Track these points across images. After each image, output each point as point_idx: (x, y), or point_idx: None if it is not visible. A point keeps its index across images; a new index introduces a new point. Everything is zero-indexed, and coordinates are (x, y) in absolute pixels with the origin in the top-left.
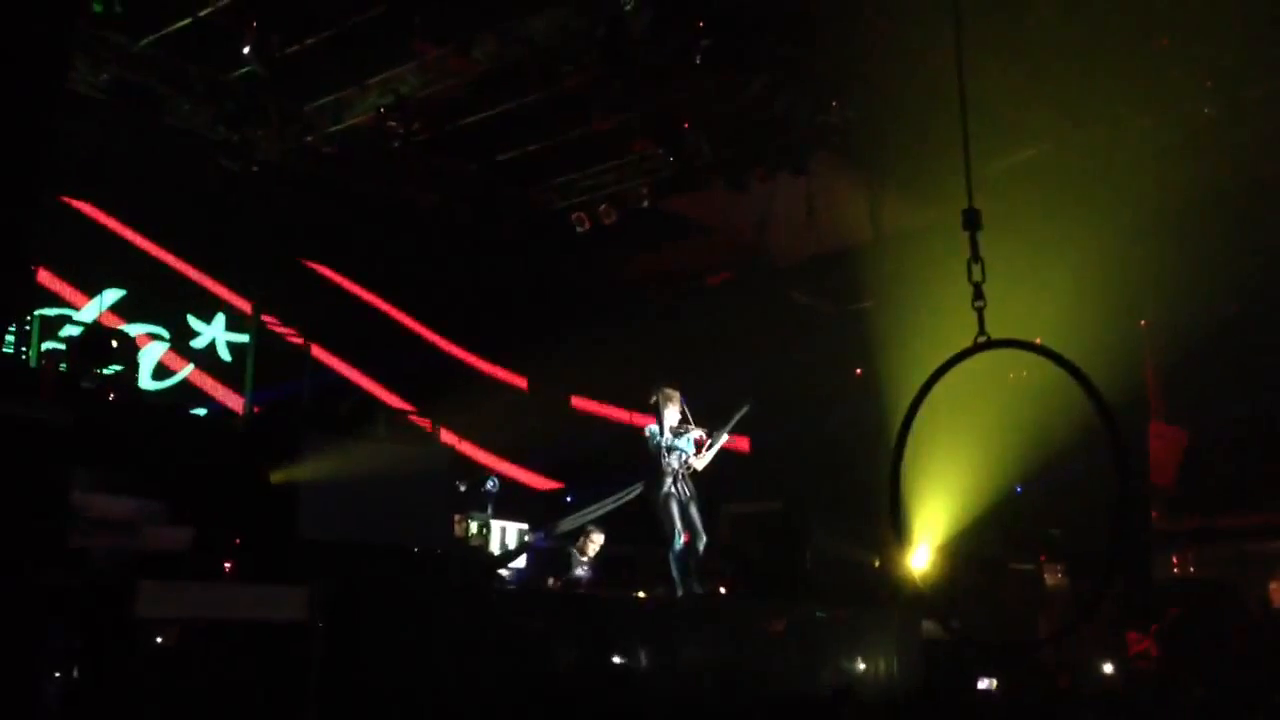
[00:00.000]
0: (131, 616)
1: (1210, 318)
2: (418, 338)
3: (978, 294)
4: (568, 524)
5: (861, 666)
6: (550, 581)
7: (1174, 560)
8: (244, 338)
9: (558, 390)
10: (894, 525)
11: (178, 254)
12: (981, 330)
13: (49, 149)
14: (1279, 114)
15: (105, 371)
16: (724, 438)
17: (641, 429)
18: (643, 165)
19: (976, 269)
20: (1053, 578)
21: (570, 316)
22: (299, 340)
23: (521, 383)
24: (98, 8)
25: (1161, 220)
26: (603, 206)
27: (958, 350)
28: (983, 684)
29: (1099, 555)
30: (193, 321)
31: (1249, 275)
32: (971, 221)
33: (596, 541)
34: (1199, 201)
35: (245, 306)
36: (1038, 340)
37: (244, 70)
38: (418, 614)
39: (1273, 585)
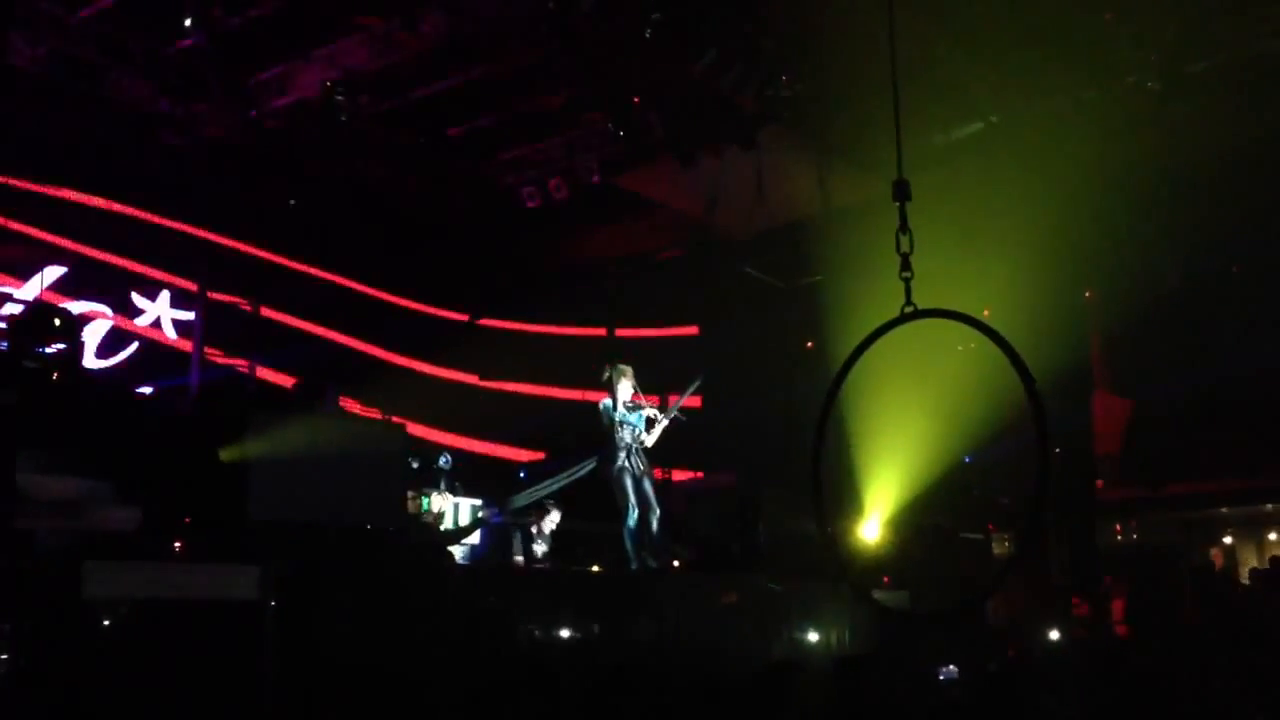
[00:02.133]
0: (79, 599)
1: (1154, 289)
2: (365, 315)
3: (904, 265)
4: (523, 499)
5: (814, 638)
6: (515, 559)
7: (1117, 528)
8: (190, 315)
9: (507, 367)
10: (815, 500)
11: (122, 231)
12: (909, 301)
13: None
14: (1221, 88)
15: (48, 350)
16: (675, 413)
17: (595, 404)
18: (593, 141)
19: (905, 240)
20: (1001, 546)
21: (522, 292)
22: (247, 310)
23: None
24: None
25: (1106, 193)
26: (553, 181)
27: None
28: (943, 674)
29: (1028, 516)
30: (137, 299)
31: (1192, 247)
32: (901, 193)
33: (553, 518)
34: (1143, 175)
35: (190, 284)
36: (985, 313)
37: (186, 42)
38: (372, 593)
39: (1214, 551)
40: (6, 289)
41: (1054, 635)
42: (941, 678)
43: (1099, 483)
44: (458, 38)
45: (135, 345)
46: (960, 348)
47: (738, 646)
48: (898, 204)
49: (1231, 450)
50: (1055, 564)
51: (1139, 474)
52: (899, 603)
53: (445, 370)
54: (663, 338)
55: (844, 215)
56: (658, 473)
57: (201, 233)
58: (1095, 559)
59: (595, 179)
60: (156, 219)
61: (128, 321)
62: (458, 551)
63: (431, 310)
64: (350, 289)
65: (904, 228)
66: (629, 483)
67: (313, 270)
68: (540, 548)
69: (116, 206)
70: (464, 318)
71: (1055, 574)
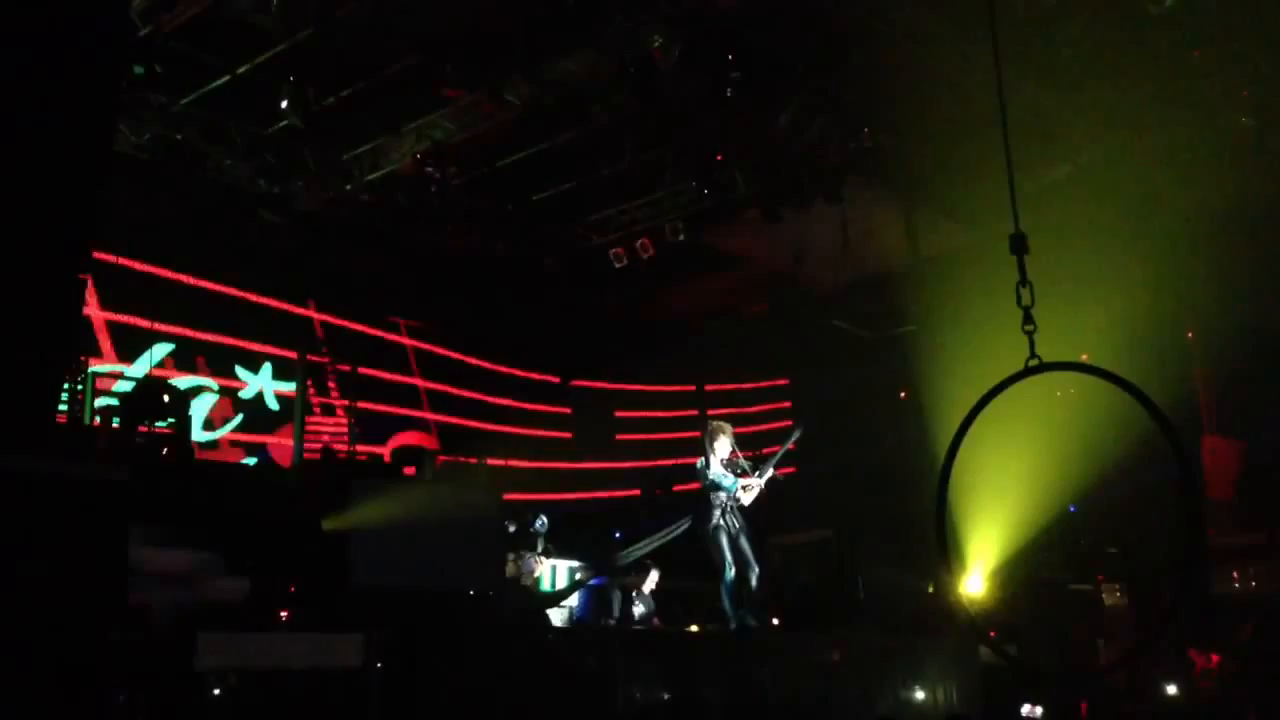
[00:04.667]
0: (191, 669)
1: (1258, 326)
2: (465, 379)
3: (1027, 318)
4: (624, 560)
5: (919, 695)
6: (611, 620)
7: (1234, 575)
8: (291, 386)
9: (603, 428)
10: (942, 552)
11: (224, 306)
12: (1033, 353)
13: (98, 210)
14: None
15: (158, 425)
16: (771, 470)
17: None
18: (677, 199)
19: (1025, 293)
20: (1111, 597)
21: (613, 353)
22: (345, 399)
23: (567, 412)
24: (138, 70)
25: (1203, 230)
26: (640, 241)
27: (1005, 374)
28: (1026, 710)
29: (1157, 573)
30: (240, 372)
31: None
32: (1019, 246)
33: (652, 578)
34: (1239, 210)
35: (291, 355)
36: (1084, 358)
37: (282, 124)
38: (472, 656)
39: None
40: (118, 367)
41: (1171, 690)
42: (1024, 713)
43: (1211, 530)
44: (541, 104)
45: (240, 418)
46: (1060, 395)
47: (842, 704)
48: (1016, 256)
49: None
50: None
51: (1253, 519)
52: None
53: (540, 431)
54: (754, 390)
55: (933, 264)
56: None
57: (301, 309)
58: (1212, 609)
59: (681, 237)
60: (256, 296)
61: (232, 395)
62: (557, 614)
63: (523, 373)
64: (445, 356)
65: (1024, 280)
66: (725, 541)
67: (405, 339)
68: (639, 609)
69: (218, 286)
70: (556, 380)
71: (1172, 626)
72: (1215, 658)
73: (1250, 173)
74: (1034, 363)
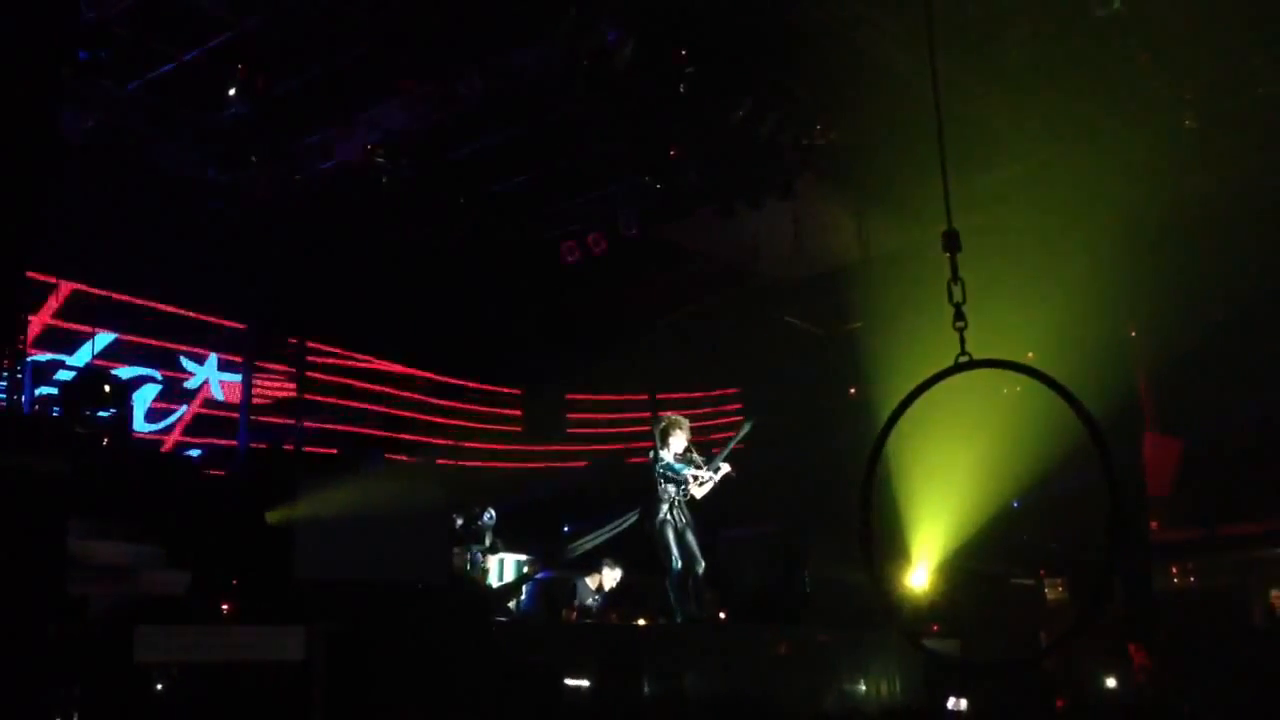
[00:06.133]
0: (131, 662)
1: (1200, 325)
2: (412, 374)
3: (958, 315)
4: (572, 553)
5: (864, 689)
6: (564, 613)
7: (1173, 570)
8: (237, 378)
9: (553, 420)
10: (863, 549)
11: (169, 296)
12: (963, 350)
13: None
14: (1259, 123)
15: (98, 416)
16: (725, 467)
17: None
18: (631, 194)
19: (957, 290)
20: (1053, 592)
21: (563, 347)
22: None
23: (516, 413)
24: (83, 54)
25: (1146, 230)
26: (592, 236)
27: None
28: (951, 703)
29: (1099, 567)
30: (185, 363)
31: (1235, 282)
32: (952, 243)
33: (613, 576)
34: (1182, 211)
35: (238, 347)
36: (1029, 356)
37: (231, 112)
38: (418, 650)
39: (1274, 593)
40: (58, 357)
41: (1111, 683)
42: (950, 706)
43: (1153, 525)
44: (495, 97)
45: (183, 409)
46: (1005, 391)
47: (787, 698)
48: (948, 254)
49: None
50: (1110, 609)
51: (1192, 515)
52: (950, 651)
53: (491, 426)
54: (705, 398)
55: (884, 261)
56: None
57: (249, 302)
58: (1151, 604)
59: (634, 232)
60: (203, 285)
61: (176, 386)
62: (505, 607)
63: (475, 370)
64: (394, 348)
65: (955, 277)
66: (671, 535)
67: (354, 331)
68: (591, 601)
69: (163, 274)
70: (506, 378)
71: (1110, 619)
72: (1153, 652)
73: (1191, 175)
74: (964, 359)
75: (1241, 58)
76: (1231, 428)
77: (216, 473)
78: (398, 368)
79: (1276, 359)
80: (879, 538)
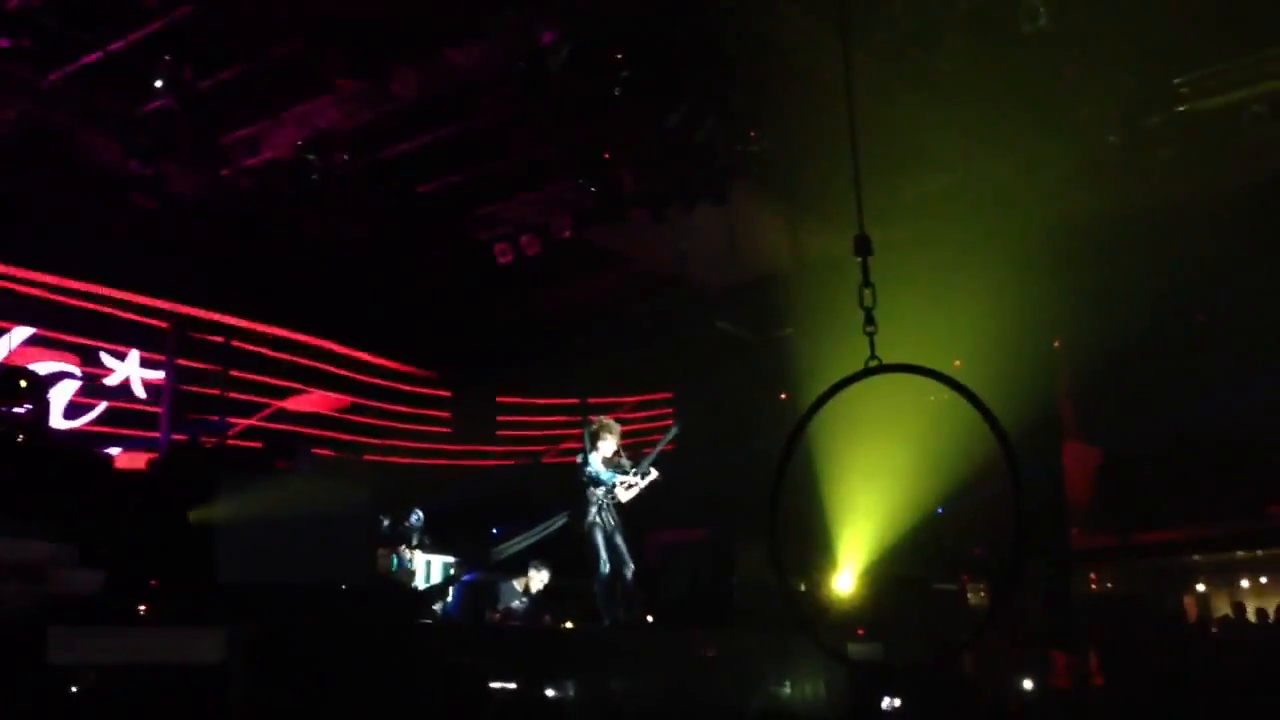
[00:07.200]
0: (43, 664)
1: (1120, 338)
2: (339, 372)
3: (868, 319)
4: (500, 555)
5: (788, 691)
6: (488, 614)
7: (1092, 577)
8: (159, 374)
9: (483, 422)
10: (772, 552)
11: (90, 292)
12: (873, 354)
13: None
14: (1180, 140)
15: (14, 412)
16: (653, 473)
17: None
18: (565, 196)
19: (867, 294)
20: (975, 596)
21: (495, 349)
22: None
23: (446, 415)
24: (4, 42)
25: (1069, 244)
26: (525, 237)
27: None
28: (886, 703)
29: (1006, 564)
30: (106, 359)
31: (1154, 296)
32: (863, 248)
33: (540, 578)
34: (1104, 224)
35: (160, 344)
36: (956, 364)
37: (156, 104)
38: (341, 652)
39: (1186, 599)
40: None
41: (1028, 685)
42: (884, 706)
43: (1074, 531)
44: (429, 96)
45: (103, 406)
46: (931, 398)
47: (713, 702)
48: (859, 259)
49: (1201, 498)
50: (1031, 614)
51: (1110, 523)
52: (872, 655)
53: (421, 426)
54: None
55: (814, 268)
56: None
57: (171, 304)
58: (1069, 609)
59: (567, 234)
60: (126, 280)
61: (96, 382)
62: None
63: (404, 368)
64: (322, 348)
65: (867, 282)
66: (600, 538)
67: (284, 331)
68: (517, 603)
69: (85, 268)
70: (435, 376)
71: (1030, 624)
72: (1072, 656)
73: (1115, 188)
74: (873, 363)
75: (1163, 75)
76: (1149, 438)
77: (136, 470)
78: (325, 366)
79: (1193, 372)
80: (806, 543)
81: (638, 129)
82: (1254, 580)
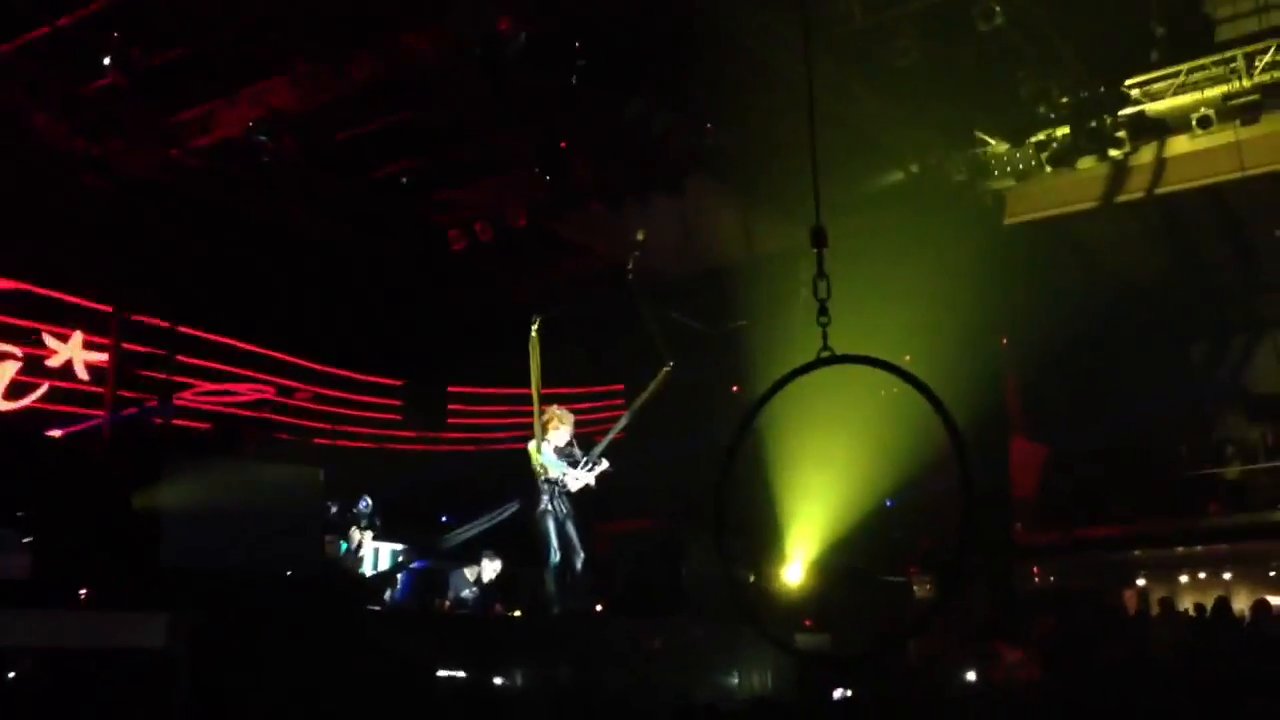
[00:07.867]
0: None
1: (1065, 337)
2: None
3: (822, 310)
4: (450, 542)
5: (736, 681)
6: (437, 603)
7: (1035, 571)
8: (102, 356)
9: (433, 412)
10: (718, 543)
11: (32, 271)
12: (825, 345)
13: None
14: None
15: None
16: (604, 463)
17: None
18: (521, 185)
19: (822, 286)
20: (922, 589)
21: (447, 335)
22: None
23: (397, 402)
24: None
25: (1020, 242)
26: (478, 225)
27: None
28: (838, 694)
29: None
30: (49, 340)
31: (1099, 297)
32: (819, 239)
33: (492, 568)
34: (1053, 227)
35: (105, 326)
36: (906, 359)
37: (104, 81)
38: (287, 639)
39: (1127, 593)
40: None
41: (970, 676)
42: (836, 697)
43: (1018, 526)
44: (386, 81)
45: (45, 388)
46: (883, 392)
47: (659, 690)
48: (815, 250)
49: (1142, 495)
50: (975, 607)
51: (1054, 518)
52: (819, 646)
53: (370, 414)
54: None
55: (768, 261)
56: None
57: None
58: (1014, 602)
59: (521, 222)
60: (71, 260)
61: (38, 363)
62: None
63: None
64: (271, 333)
65: (821, 273)
66: (551, 526)
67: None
68: (467, 593)
69: (27, 249)
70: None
71: (975, 617)
72: (1019, 652)
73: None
74: (825, 354)
75: (1112, 78)
76: (1093, 436)
77: (78, 452)
78: (274, 353)
79: (1134, 373)
80: (755, 535)
81: (595, 118)
82: (1193, 575)
